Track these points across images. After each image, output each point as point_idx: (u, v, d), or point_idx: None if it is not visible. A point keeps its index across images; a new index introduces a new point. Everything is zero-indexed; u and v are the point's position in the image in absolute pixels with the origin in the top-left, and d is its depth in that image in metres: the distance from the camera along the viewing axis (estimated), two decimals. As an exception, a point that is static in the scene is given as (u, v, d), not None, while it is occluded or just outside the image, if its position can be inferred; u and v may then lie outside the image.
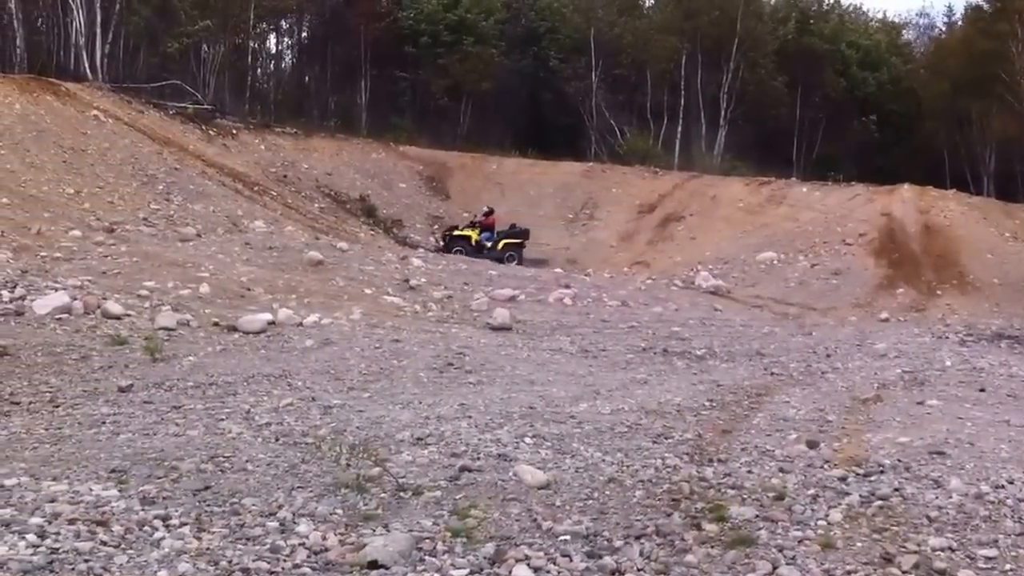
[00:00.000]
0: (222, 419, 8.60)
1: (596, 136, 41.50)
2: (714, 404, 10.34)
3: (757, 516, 6.21)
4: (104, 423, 8.43)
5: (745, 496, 6.65)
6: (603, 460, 7.52)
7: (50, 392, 9.87)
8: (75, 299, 14.13)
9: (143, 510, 5.92)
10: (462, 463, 7.22)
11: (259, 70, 44.16)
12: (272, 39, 46.08)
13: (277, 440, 7.85)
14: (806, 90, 41.88)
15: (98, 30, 33.34)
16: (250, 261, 19.05)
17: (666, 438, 8.44)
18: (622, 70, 42.30)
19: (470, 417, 8.91)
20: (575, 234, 32.89)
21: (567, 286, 22.21)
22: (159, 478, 6.62)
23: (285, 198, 29.07)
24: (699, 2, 41.16)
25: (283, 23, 44.94)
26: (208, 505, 6.11)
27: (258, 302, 16.07)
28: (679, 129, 40.61)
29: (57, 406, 9.23)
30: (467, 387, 10.86)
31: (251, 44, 41.59)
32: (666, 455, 7.73)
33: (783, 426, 9.19)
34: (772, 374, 13.16)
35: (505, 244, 29.23)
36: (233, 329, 14.06)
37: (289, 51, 47.61)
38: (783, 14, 44.32)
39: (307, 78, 45.40)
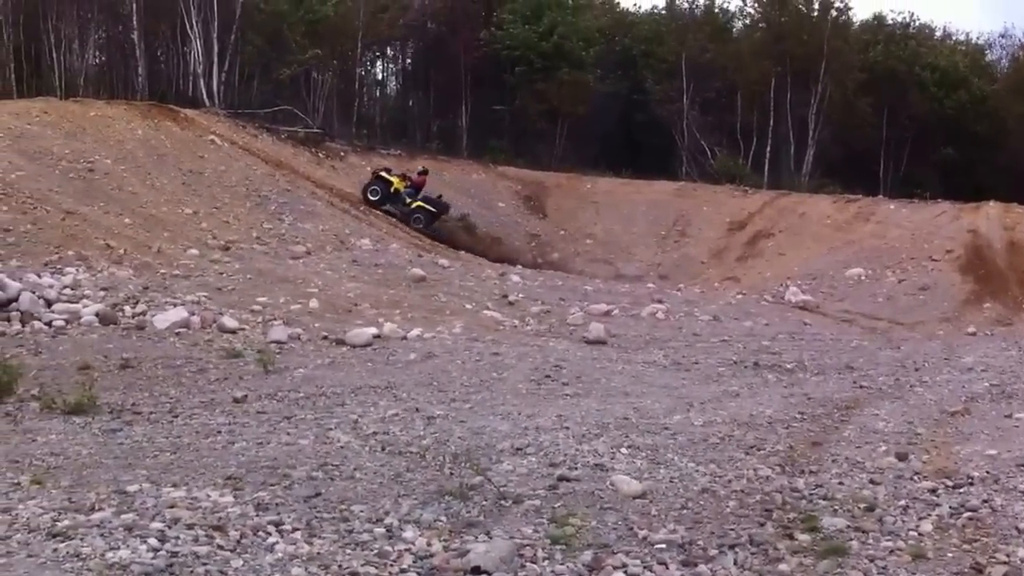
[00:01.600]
0: (331, 429, 8.94)
1: (687, 156, 41.63)
2: (805, 416, 10.36)
3: (848, 526, 6.29)
4: (220, 432, 8.84)
5: (836, 507, 6.73)
6: (697, 470, 7.65)
7: (169, 403, 10.39)
8: (193, 314, 14.80)
9: (257, 516, 6.16)
10: (560, 472, 7.40)
11: (365, 96, 45.13)
12: (378, 66, 47.21)
13: (383, 449, 8.14)
14: (892, 110, 41.54)
15: (215, 59, 34.71)
16: (357, 277, 19.61)
17: (758, 449, 8.53)
18: (713, 92, 42.46)
19: (567, 428, 9.10)
20: (667, 250, 32.89)
21: (660, 301, 22.28)
22: (272, 485, 6.90)
23: (389, 217, 29.69)
24: (788, 26, 41.29)
25: (388, 51, 45.99)
26: (319, 511, 6.34)
27: (364, 317, 16.56)
28: (768, 149, 40.66)
29: (176, 416, 9.71)
30: (564, 399, 11.08)
31: (358, 71, 42.63)
32: (758, 466, 7.83)
33: (873, 438, 9.19)
34: (861, 387, 13.06)
35: (418, 206, 29.32)
36: (341, 342, 14.55)
37: (393, 77, 48.70)
38: (869, 37, 44.06)
39: (410, 103, 46.35)
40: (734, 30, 46.15)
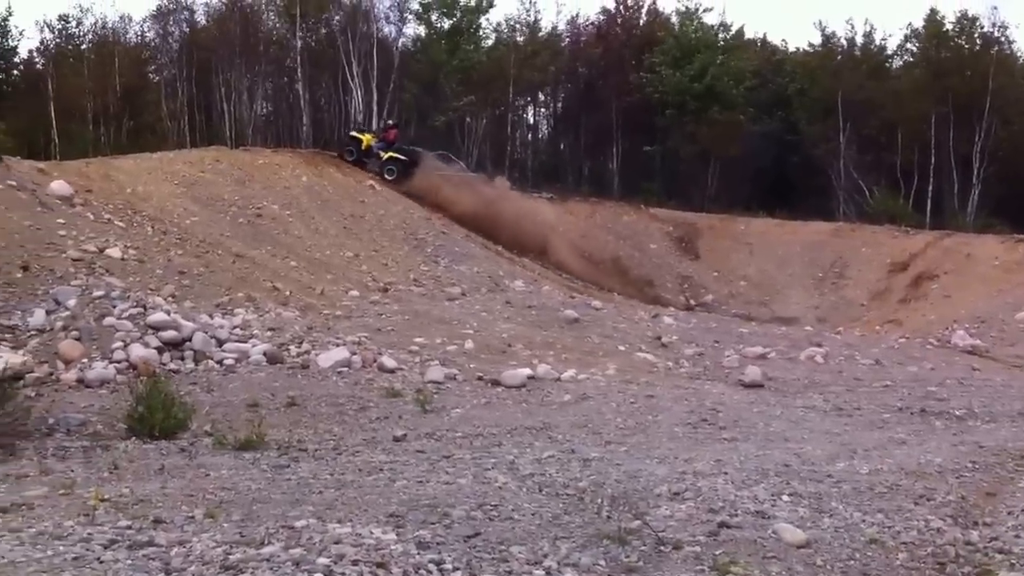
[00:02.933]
0: (489, 469, 9.02)
1: (844, 196, 40.75)
2: (977, 466, 9.92)
3: (1027, 582, 6.02)
4: (382, 470, 9.02)
5: (1014, 560, 6.44)
6: (863, 520, 7.42)
7: (333, 440, 10.68)
8: (354, 354, 15.22)
9: (419, 554, 6.22)
10: (720, 519, 7.27)
11: (517, 140, 45.89)
12: (529, 111, 47.95)
13: (540, 490, 8.16)
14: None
15: (374, 107, 35.96)
16: (511, 319, 19.82)
17: (928, 499, 8.21)
18: (870, 130, 41.43)
19: (726, 473, 8.96)
20: (824, 292, 32.17)
21: (818, 344, 21.75)
22: (432, 523, 6.97)
23: (542, 259, 29.92)
24: (949, 63, 40.04)
25: (539, 96, 46.63)
26: (478, 551, 6.37)
27: (518, 357, 16.70)
28: (930, 188, 39.32)
29: (340, 453, 9.97)
30: (722, 443, 10.92)
31: (510, 116, 43.39)
32: (929, 517, 7.54)
33: (1051, 490, 8.75)
34: (1036, 436, 12.45)
35: (390, 156, 29.80)
36: (496, 383, 14.70)
37: (545, 121, 49.38)
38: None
39: (562, 146, 46.88)
40: (892, 67, 45.10)
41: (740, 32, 44.71)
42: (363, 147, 30.22)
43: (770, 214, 37.59)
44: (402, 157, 30.42)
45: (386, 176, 29.64)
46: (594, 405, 13.27)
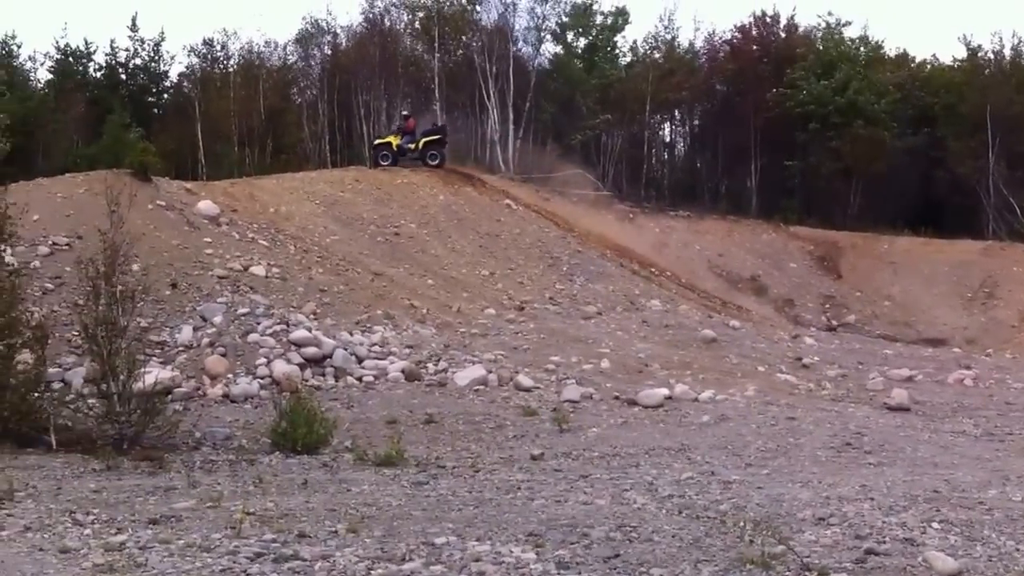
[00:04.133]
0: (627, 489, 8.97)
1: (994, 214, 39.10)
2: None
3: None
4: (520, 488, 9.06)
5: None
6: (1017, 550, 7.08)
7: (471, 457, 10.78)
8: (490, 372, 15.36)
9: (559, 573, 6.22)
10: (867, 546, 7.05)
11: (653, 158, 45.65)
12: (666, 128, 47.65)
13: (680, 512, 8.06)
14: None
15: (510, 126, 36.25)
16: (647, 338, 19.68)
17: (1090, 530, 7.80)
18: (1022, 147, 39.69)
19: (872, 499, 8.69)
20: (973, 313, 30.90)
21: (967, 367, 20.93)
22: (572, 543, 6.95)
23: (679, 278, 29.65)
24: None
25: (676, 113, 46.31)
26: (618, 573, 6.31)
27: (655, 377, 16.58)
28: (1089, 205, 37.48)
29: (477, 471, 10.05)
30: (867, 468, 10.61)
31: (646, 134, 43.20)
32: (1092, 548, 7.16)
33: None
34: None
35: (426, 144, 29.55)
36: (633, 403, 14.63)
37: (681, 139, 48.97)
38: None
39: (698, 164, 46.40)
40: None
41: (881, 46, 43.65)
42: (395, 148, 30.52)
43: (915, 232, 36.44)
44: (436, 137, 30.71)
45: (429, 162, 29.78)
46: (734, 427, 13.08)
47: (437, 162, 30.00)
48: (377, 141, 31.24)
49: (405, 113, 32.28)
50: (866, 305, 31.84)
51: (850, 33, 43.00)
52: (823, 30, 43.08)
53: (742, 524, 7.14)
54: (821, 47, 41.77)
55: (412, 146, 30.21)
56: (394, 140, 30.50)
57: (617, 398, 14.95)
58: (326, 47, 41.55)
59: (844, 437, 12.46)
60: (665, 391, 15.24)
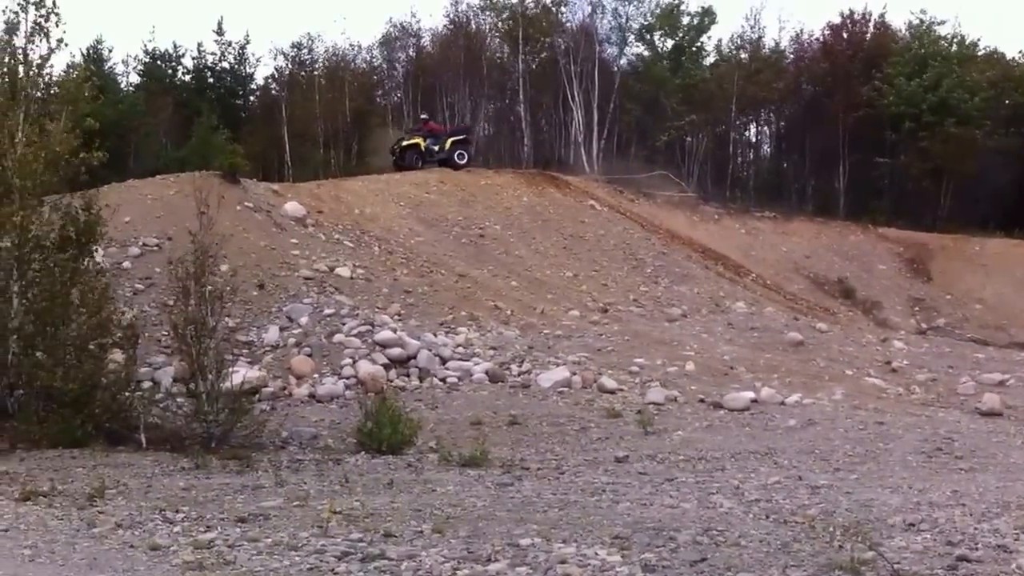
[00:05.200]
0: (713, 493, 8.88)
1: (1090, 215, 37.82)
2: None
3: None
4: (604, 491, 9.03)
5: None
6: (1123, 562, 6.85)
7: (555, 459, 10.77)
8: (574, 374, 15.32)
9: (644, 577, 6.19)
10: (959, 552, 6.89)
11: (739, 158, 45.12)
12: (751, 129, 47.05)
13: (767, 517, 7.96)
14: None
15: (595, 128, 36.17)
16: (732, 341, 19.44)
17: None
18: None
19: (964, 505, 8.50)
20: (1069, 317, 29.96)
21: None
22: (658, 547, 6.91)
23: (765, 280, 29.25)
24: None
25: (762, 113, 45.72)
26: (705, 577, 6.27)
27: (741, 380, 16.37)
28: None
29: (562, 473, 10.04)
30: (958, 473, 10.39)
31: (731, 134, 42.73)
32: None
33: None
34: None
35: (452, 143, 29.29)
36: (718, 406, 14.48)
37: (768, 139, 48.32)
38: None
39: (784, 164, 45.73)
40: None
41: (974, 44, 42.53)
42: (423, 149, 30.34)
43: (1007, 234, 35.45)
44: (460, 136, 30.58)
45: (457, 161, 29.50)
46: (821, 431, 12.87)
47: (465, 161, 29.93)
48: (404, 143, 31.12)
49: (424, 116, 32.41)
50: (956, 308, 31.06)
51: (942, 31, 42.03)
52: (915, 28, 42.14)
53: (831, 529, 7.03)
54: (917, 44, 40.87)
55: (437, 147, 30.18)
56: (421, 142, 30.41)
57: (702, 401, 14.81)
58: (410, 49, 41.83)
59: (935, 442, 12.21)
60: (751, 394, 15.06)
